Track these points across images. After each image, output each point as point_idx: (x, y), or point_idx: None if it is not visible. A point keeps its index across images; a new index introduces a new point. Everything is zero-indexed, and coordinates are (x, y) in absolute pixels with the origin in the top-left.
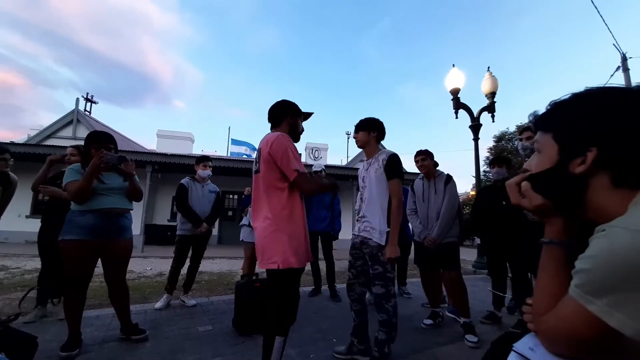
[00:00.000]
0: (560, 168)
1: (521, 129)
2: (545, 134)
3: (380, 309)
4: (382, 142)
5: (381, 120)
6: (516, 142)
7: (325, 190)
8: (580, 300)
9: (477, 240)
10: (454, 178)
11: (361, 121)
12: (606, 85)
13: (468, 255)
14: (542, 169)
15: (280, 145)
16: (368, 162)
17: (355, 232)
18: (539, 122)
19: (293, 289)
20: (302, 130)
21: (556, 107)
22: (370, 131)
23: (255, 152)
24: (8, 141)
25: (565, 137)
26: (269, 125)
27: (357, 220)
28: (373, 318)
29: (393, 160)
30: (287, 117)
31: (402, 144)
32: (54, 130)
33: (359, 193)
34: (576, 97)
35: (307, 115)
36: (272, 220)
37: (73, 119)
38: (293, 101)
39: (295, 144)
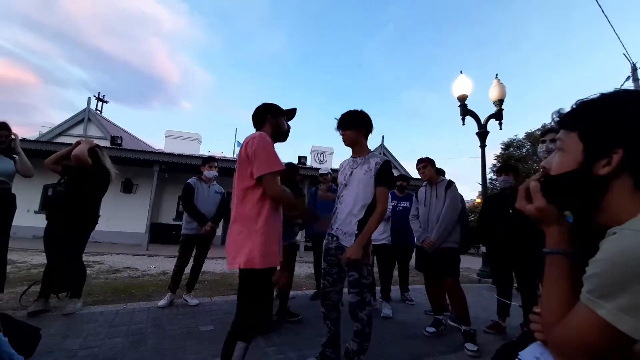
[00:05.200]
0: (584, 170)
1: (545, 130)
2: (570, 132)
3: (355, 318)
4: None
5: (377, 127)
6: (540, 146)
7: (295, 208)
8: (591, 306)
9: (482, 249)
10: (460, 185)
11: (348, 117)
12: (637, 89)
13: (473, 263)
14: (564, 168)
15: (258, 143)
16: (355, 160)
17: (332, 232)
18: (564, 120)
19: (257, 291)
20: (288, 128)
21: (583, 106)
22: (359, 128)
23: None
24: (19, 138)
25: (591, 137)
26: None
27: (333, 216)
28: (346, 328)
29: (386, 168)
30: (267, 119)
31: (408, 150)
32: (65, 128)
33: (338, 190)
34: (604, 98)
35: (291, 112)
36: (240, 221)
37: (84, 117)
38: (274, 103)
39: (277, 143)
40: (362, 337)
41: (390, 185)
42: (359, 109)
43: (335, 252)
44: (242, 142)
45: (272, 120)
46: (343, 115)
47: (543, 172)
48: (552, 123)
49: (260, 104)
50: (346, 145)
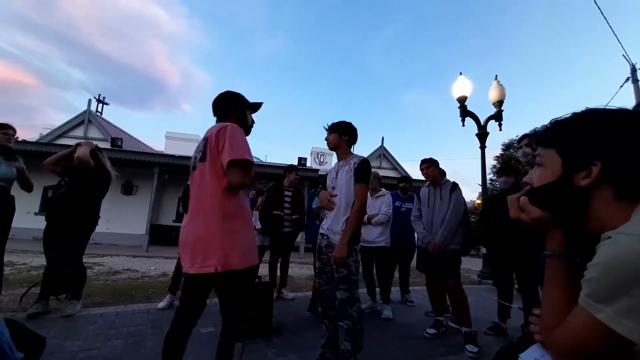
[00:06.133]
0: (564, 181)
1: (522, 137)
2: (547, 149)
3: (344, 315)
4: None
5: (354, 125)
6: (518, 151)
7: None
8: (590, 310)
9: (483, 250)
10: (461, 186)
11: (333, 123)
12: (606, 107)
13: (473, 265)
14: (545, 181)
15: (232, 131)
16: (339, 164)
17: (322, 231)
18: (541, 138)
19: (239, 294)
20: (253, 122)
21: (559, 124)
22: (341, 134)
23: (203, 141)
24: (20, 139)
25: (570, 152)
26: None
27: (324, 218)
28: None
29: (363, 165)
30: (233, 111)
31: (408, 151)
32: (65, 130)
33: None
34: (578, 116)
35: (256, 106)
36: (210, 216)
37: (85, 119)
38: (239, 92)
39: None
40: (354, 334)
41: (368, 182)
42: (347, 121)
43: (326, 251)
44: (208, 132)
45: (238, 113)
46: (331, 123)
47: (527, 189)
48: (530, 137)
49: (223, 91)
50: (330, 149)
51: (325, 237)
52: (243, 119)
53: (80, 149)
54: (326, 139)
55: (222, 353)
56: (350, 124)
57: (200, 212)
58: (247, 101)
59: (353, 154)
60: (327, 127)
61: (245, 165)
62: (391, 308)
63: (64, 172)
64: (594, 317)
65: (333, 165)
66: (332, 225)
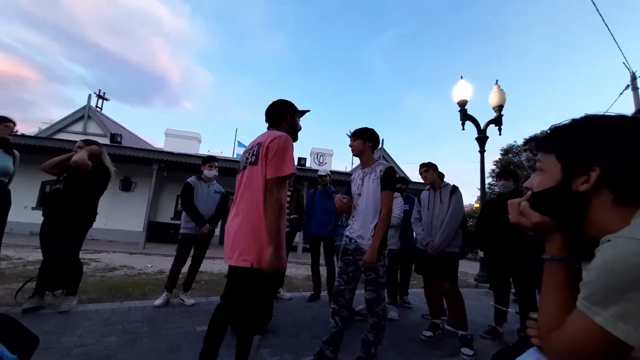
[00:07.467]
0: (563, 186)
1: (525, 141)
2: (547, 154)
3: (370, 313)
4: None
5: (377, 131)
6: (522, 155)
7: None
8: (588, 313)
9: (480, 254)
10: (459, 190)
11: (358, 130)
12: (604, 114)
13: (471, 268)
14: (545, 186)
15: (285, 144)
16: (364, 171)
17: (348, 234)
18: (541, 143)
19: (266, 292)
20: (300, 128)
21: (558, 130)
22: (366, 140)
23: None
24: (19, 133)
25: (569, 157)
26: (267, 125)
27: (351, 224)
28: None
29: (389, 173)
30: (287, 117)
31: (408, 153)
32: (65, 124)
33: (354, 200)
34: (577, 122)
35: (303, 112)
36: (254, 217)
37: (84, 114)
38: (289, 100)
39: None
40: (377, 329)
41: (394, 189)
42: (370, 127)
43: (353, 253)
44: (264, 137)
45: (290, 120)
46: (356, 129)
47: (529, 195)
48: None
49: (276, 100)
50: (354, 155)
51: (353, 241)
52: (293, 125)
53: (78, 154)
54: (350, 145)
55: (242, 345)
56: (373, 130)
57: (244, 209)
58: (296, 108)
59: (375, 160)
60: (350, 134)
61: (282, 180)
62: (397, 309)
63: (63, 169)
64: (592, 321)
65: (357, 172)
66: (362, 231)
